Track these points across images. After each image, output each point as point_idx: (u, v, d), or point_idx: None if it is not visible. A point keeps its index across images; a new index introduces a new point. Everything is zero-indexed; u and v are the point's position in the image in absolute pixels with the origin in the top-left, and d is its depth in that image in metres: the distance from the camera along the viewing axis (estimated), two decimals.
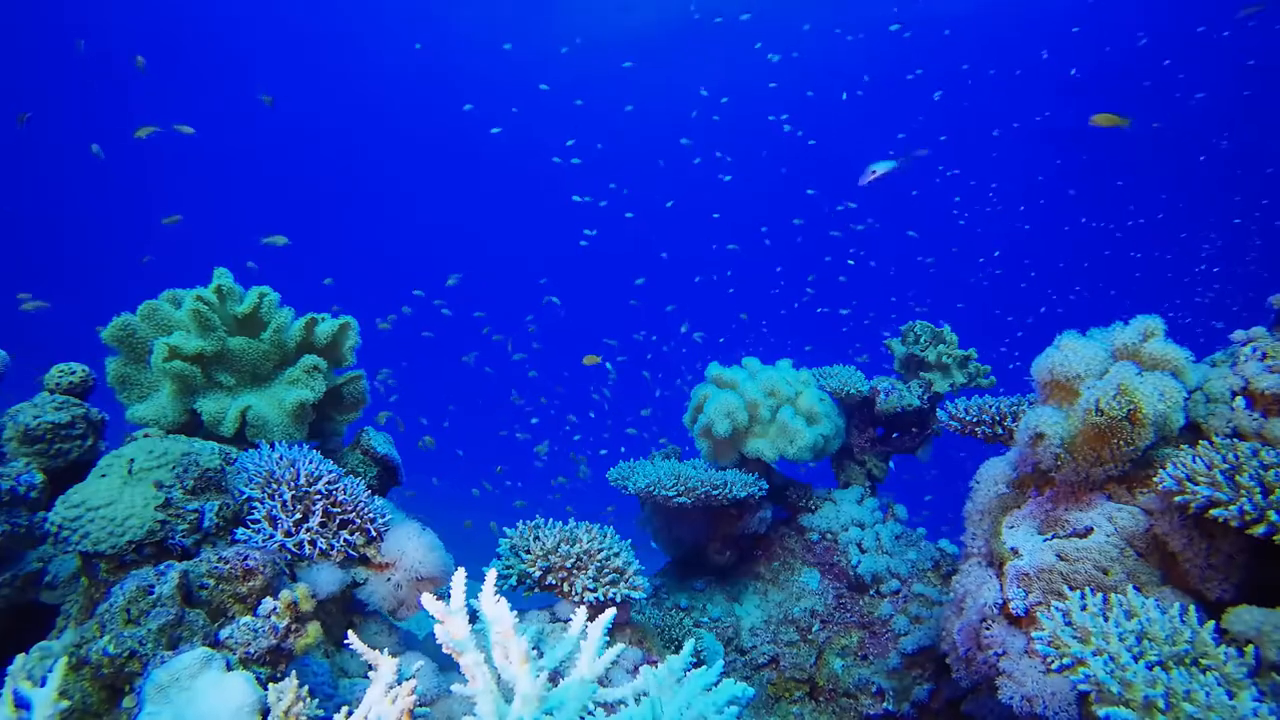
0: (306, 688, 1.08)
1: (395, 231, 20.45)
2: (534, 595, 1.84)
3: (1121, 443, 1.46)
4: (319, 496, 1.56)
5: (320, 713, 1.07)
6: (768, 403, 2.61)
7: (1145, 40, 12.52)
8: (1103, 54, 13.45)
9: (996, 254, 17.04)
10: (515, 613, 1.02)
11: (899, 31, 13.33)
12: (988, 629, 1.56)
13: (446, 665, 1.59)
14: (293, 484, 1.55)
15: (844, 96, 13.97)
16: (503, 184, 18.56)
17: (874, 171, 2.62)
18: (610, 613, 1.13)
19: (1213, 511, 1.26)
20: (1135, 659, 1.10)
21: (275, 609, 1.24)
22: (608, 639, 1.12)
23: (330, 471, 1.61)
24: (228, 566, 1.29)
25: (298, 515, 1.54)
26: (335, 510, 1.58)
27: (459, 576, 1.03)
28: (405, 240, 20.25)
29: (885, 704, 2.28)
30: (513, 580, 1.79)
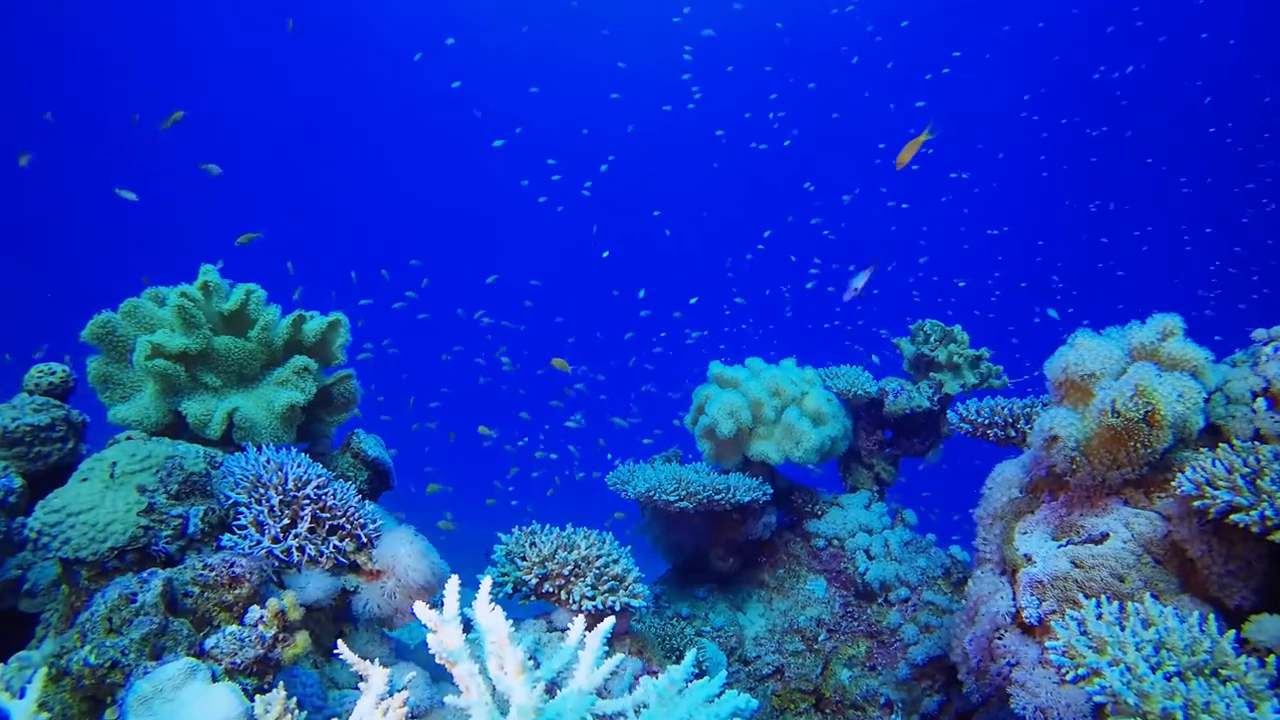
0: (295, 699, 1.08)
1: (378, 228, 20.46)
2: (530, 603, 1.84)
3: (1139, 445, 1.46)
4: (307, 501, 1.56)
5: None
6: (772, 403, 2.61)
7: (1140, 22, 12.63)
8: (1105, 45, 13.56)
9: (1004, 229, 17.01)
10: (511, 621, 1.02)
11: (907, 27, 13.40)
12: (1000, 639, 1.56)
13: (440, 676, 1.59)
14: (280, 488, 1.55)
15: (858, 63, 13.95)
16: (478, 175, 18.54)
17: (855, 288, 2.70)
18: (609, 621, 1.13)
19: (1233, 517, 1.26)
20: (1153, 669, 1.10)
21: (262, 618, 1.24)
22: (606, 649, 1.12)
23: (319, 475, 1.61)
24: (213, 574, 1.29)
25: (286, 521, 1.54)
26: (324, 516, 1.58)
27: (453, 584, 1.03)
28: (387, 237, 20.25)
29: (894, 716, 2.28)
30: (508, 588, 1.79)
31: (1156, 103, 14.42)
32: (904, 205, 14.54)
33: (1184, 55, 13.40)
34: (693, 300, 9.86)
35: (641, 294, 10.32)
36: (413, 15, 15.87)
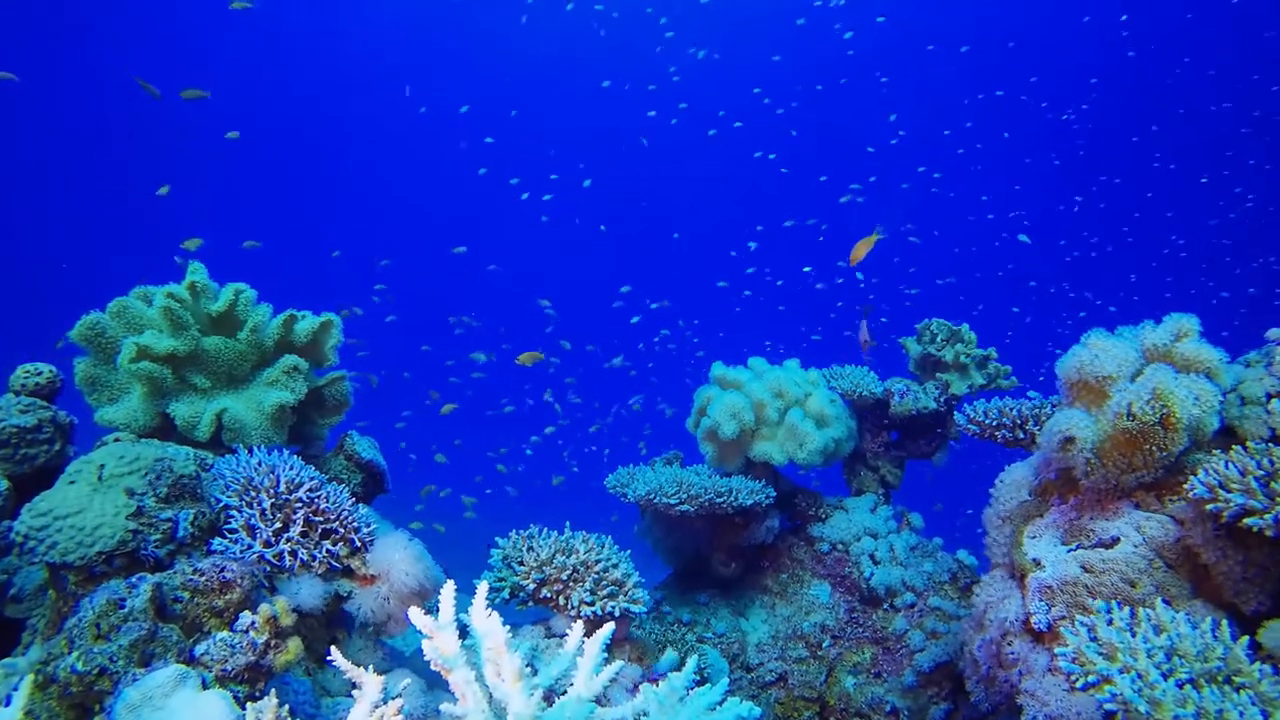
0: (287, 707, 1.08)
1: (365, 226, 20.49)
2: (528, 609, 1.85)
3: (1154, 449, 1.46)
4: (300, 504, 1.56)
5: None
6: (775, 404, 2.61)
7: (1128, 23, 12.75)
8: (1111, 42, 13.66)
9: (990, 217, 17.07)
10: (508, 627, 1.02)
11: (909, 21, 13.48)
12: (1009, 645, 1.56)
13: (435, 683, 1.59)
14: (272, 491, 1.55)
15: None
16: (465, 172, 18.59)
17: (864, 339, 2.78)
18: (609, 627, 1.13)
19: (1246, 520, 1.26)
20: (1164, 677, 1.11)
21: (254, 624, 1.24)
22: (606, 655, 1.12)
23: (312, 478, 1.61)
24: (203, 579, 1.30)
25: (277, 524, 1.54)
26: (317, 519, 1.58)
27: (448, 589, 1.03)
28: (378, 238, 20.30)
29: None
30: (505, 593, 1.79)
31: (1151, 96, 14.53)
32: (904, 185, 14.61)
33: (1174, 49, 13.51)
34: (654, 305, 9.87)
35: (625, 290, 10.32)
36: (404, 16, 15.96)
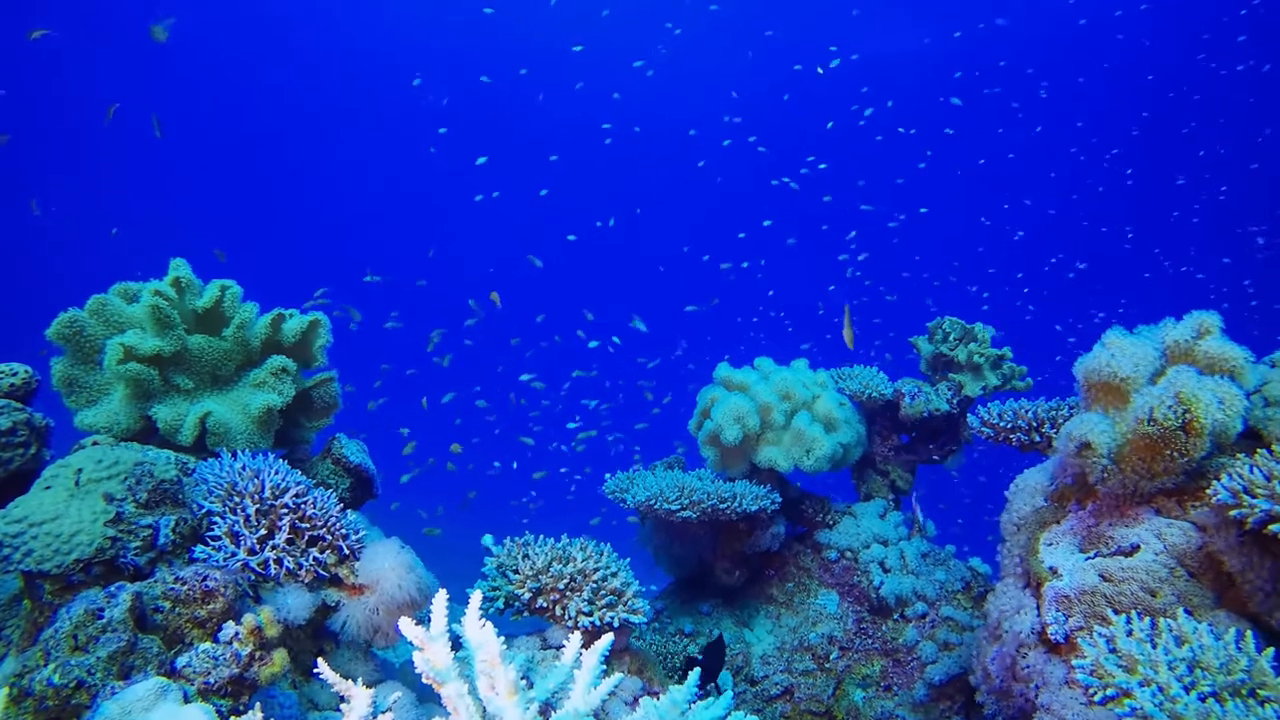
0: None
1: (353, 230, 20.55)
2: (523, 619, 1.84)
3: (1176, 454, 1.46)
4: (286, 510, 1.56)
5: None
6: (782, 407, 2.61)
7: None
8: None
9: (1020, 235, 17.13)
10: (502, 639, 1.02)
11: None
12: (1024, 657, 1.56)
13: (427, 696, 1.59)
14: (257, 496, 1.55)
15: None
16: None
17: (915, 516, 2.81)
18: (607, 638, 1.13)
19: (1271, 527, 1.26)
20: (1186, 690, 1.10)
21: (237, 635, 1.24)
22: (604, 667, 1.12)
23: (298, 483, 1.61)
24: (185, 588, 1.29)
25: (262, 531, 1.54)
26: (304, 526, 1.58)
27: (440, 599, 1.03)
28: (362, 239, 20.33)
29: None
30: (500, 603, 1.79)
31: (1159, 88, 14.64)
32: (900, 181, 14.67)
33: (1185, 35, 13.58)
34: (590, 317, 9.90)
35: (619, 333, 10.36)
36: (393, 17, 16.06)
